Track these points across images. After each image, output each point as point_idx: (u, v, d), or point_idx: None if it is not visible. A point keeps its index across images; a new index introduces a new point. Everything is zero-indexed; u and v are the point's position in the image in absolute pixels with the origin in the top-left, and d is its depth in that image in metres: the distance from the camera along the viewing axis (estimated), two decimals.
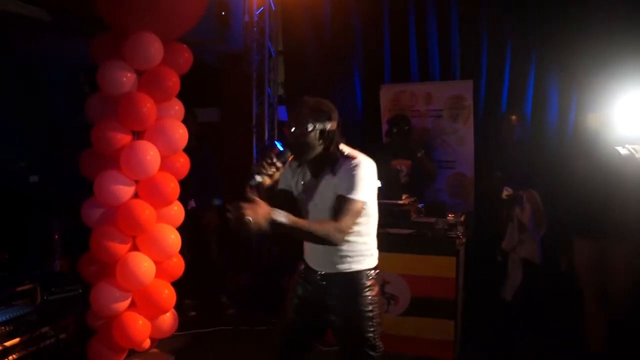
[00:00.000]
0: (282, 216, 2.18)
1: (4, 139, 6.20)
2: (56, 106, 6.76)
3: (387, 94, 5.93)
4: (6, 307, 4.07)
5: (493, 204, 4.83)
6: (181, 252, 4.09)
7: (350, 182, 2.40)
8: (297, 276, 2.75)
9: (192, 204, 5.20)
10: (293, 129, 2.48)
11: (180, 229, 4.14)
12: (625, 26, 4.91)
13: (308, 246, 2.68)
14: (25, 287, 4.38)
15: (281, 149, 2.50)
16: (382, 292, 4.22)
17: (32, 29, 4.77)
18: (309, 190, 2.58)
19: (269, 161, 2.40)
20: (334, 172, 2.48)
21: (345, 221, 2.35)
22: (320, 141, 2.48)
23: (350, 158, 2.48)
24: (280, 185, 2.69)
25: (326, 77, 6.31)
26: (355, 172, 2.41)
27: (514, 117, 5.10)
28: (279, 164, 2.44)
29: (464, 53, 5.80)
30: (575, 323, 4.19)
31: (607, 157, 3.82)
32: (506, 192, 4.62)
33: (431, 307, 4.20)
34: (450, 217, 4.40)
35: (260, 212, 2.11)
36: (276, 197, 2.59)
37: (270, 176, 2.43)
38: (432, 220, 4.30)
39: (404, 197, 4.50)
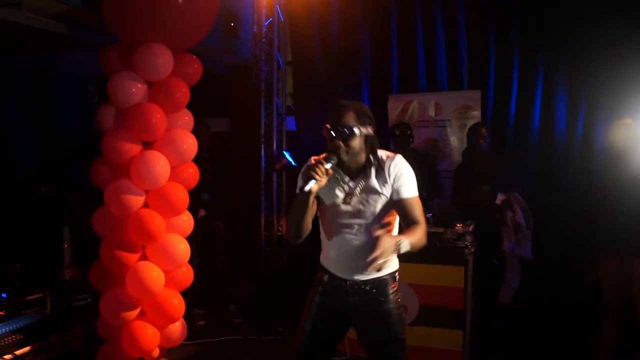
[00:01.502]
0: (405, 245, 2.31)
1: (16, 149, 6.27)
2: (67, 117, 6.83)
3: (395, 104, 5.96)
4: (17, 315, 4.12)
5: (482, 213, 4.83)
6: (190, 260, 4.11)
7: (408, 182, 2.50)
8: (318, 286, 2.70)
9: (202, 212, 5.25)
10: (336, 133, 2.43)
11: (190, 238, 4.17)
12: (636, 34, 4.91)
13: (336, 255, 2.62)
14: (36, 296, 4.42)
15: (324, 156, 2.44)
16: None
17: (44, 41, 4.82)
18: (351, 193, 2.52)
19: (322, 167, 2.36)
20: (377, 173, 2.49)
21: (423, 218, 2.49)
22: (365, 146, 2.47)
23: (390, 158, 2.52)
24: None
25: (334, 88, 6.34)
26: (406, 171, 2.51)
27: (483, 129, 5.05)
28: (330, 170, 2.40)
29: (471, 63, 5.82)
30: (580, 327, 4.19)
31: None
32: (500, 198, 4.67)
33: (440, 317, 4.19)
34: (459, 226, 4.39)
35: (389, 246, 2.25)
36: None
37: (320, 183, 2.37)
38: (441, 230, 4.30)
39: None
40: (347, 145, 2.42)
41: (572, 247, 4.70)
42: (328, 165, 2.37)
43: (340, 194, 2.53)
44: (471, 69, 5.82)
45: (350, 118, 2.42)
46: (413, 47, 6.04)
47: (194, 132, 4.03)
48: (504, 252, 4.71)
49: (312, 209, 2.48)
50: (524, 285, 4.78)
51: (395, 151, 5.01)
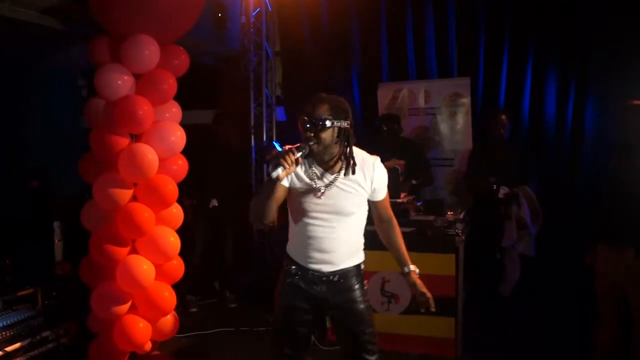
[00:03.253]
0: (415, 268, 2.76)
1: (5, 144, 6.21)
2: (57, 111, 6.77)
3: (384, 93, 5.95)
4: (7, 311, 4.10)
5: (488, 205, 4.83)
6: (194, 247, 4.09)
7: (385, 182, 2.65)
8: (286, 278, 2.72)
9: (215, 202, 5.30)
10: (309, 124, 2.46)
11: (199, 225, 4.16)
12: (625, 21, 4.91)
13: (305, 247, 2.62)
14: (27, 292, 4.39)
15: (297, 145, 2.44)
16: (382, 290, 4.26)
17: (33, 34, 4.77)
18: (324, 186, 2.53)
19: (292, 156, 2.35)
20: (354, 171, 2.53)
21: (391, 211, 2.76)
22: (337, 139, 2.50)
23: (371, 160, 2.60)
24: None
25: (324, 77, 6.32)
26: (385, 175, 2.64)
27: (503, 117, 5.03)
28: (300, 159, 2.41)
29: (461, 50, 5.82)
30: (577, 319, 4.19)
31: None
32: (503, 192, 4.65)
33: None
34: (450, 214, 4.40)
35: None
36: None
37: (289, 170, 2.38)
38: (431, 218, 4.30)
39: (402, 195, 4.51)
40: (318, 137, 2.45)
41: (567, 236, 4.73)
42: (299, 154, 2.38)
43: (313, 186, 2.55)
44: (461, 56, 5.83)
45: (324, 110, 2.46)
46: (402, 34, 6.03)
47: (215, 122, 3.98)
48: (504, 248, 4.71)
49: (278, 196, 2.52)
50: (525, 277, 4.79)
51: (386, 145, 5.05)
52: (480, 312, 4.69)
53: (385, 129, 5.16)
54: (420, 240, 4.19)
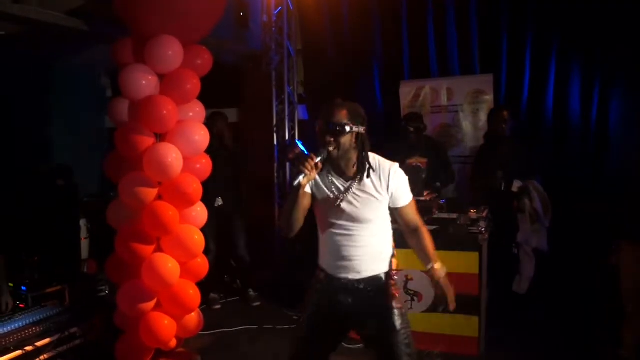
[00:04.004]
0: (443, 268, 2.66)
1: (33, 143, 6.32)
2: (82, 110, 6.87)
3: (406, 90, 5.93)
4: (37, 308, 4.18)
5: (499, 200, 4.79)
6: (207, 247, 4.15)
7: (406, 190, 2.62)
8: (316, 285, 2.71)
9: (220, 201, 5.34)
10: (329, 129, 2.46)
11: (208, 226, 4.21)
12: None
13: (329, 254, 2.63)
14: (55, 289, 4.48)
15: (318, 152, 2.46)
16: (405, 289, 4.25)
17: (58, 35, 4.84)
18: (343, 193, 2.54)
19: (312, 161, 2.38)
20: (372, 177, 2.53)
21: (419, 217, 2.69)
22: (355, 144, 2.50)
23: (389, 166, 2.57)
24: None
25: (345, 75, 6.33)
26: (405, 181, 2.60)
27: (505, 112, 4.99)
28: (319, 164, 2.43)
29: (483, 47, 5.77)
30: (595, 317, 4.15)
31: None
32: (517, 185, 4.63)
33: (455, 303, 4.18)
34: (472, 212, 4.37)
35: (449, 289, 2.70)
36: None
37: (310, 176, 2.41)
38: (454, 216, 4.28)
39: (425, 193, 4.50)
40: (337, 141, 2.46)
41: (587, 235, 4.68)
42: (318, 159, 2.40)
43: (332, 194, 2.55)
44: (483, 53, 5.78)
45: (342, 116, 2.47)
46: (424, 31, 6.00)
47: (209, 122, 4.05)
48: (519, 242, 4.68)
49: (304, 203, 2.52)
50: (540, 274, 4.75)
51: (410, 143, 5.05)
52: (498, 310, 4.66)
53: (411, 129, 5.14)
54: (444, 239, 4.18)
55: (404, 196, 2.61)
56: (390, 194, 2.56)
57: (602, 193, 4.99)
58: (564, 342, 4.43)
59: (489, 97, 5.54)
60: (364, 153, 2.52)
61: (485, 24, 5.71)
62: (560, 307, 5.05)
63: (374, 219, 2.57)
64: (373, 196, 2.53)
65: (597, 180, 5.32)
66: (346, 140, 2.47)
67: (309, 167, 2.36)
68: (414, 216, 2.66)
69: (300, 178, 2.36)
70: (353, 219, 2.54)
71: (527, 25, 5.52)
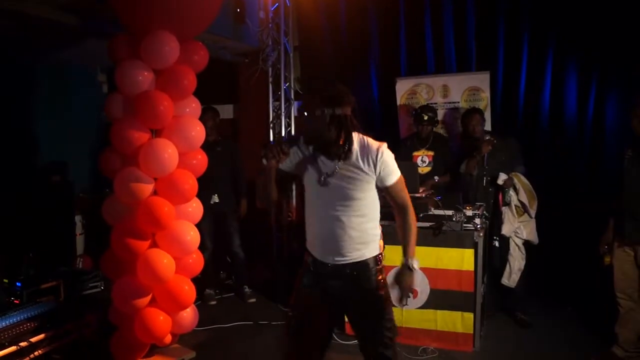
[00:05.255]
0: (415, 262, 2.64)
1: (29, 140, 6.31)
2: (78, 107, 6.86)
3: (402, 87, 5.92)
4: (32, 304, 4.18)
5: (482, 194, 4.80)
6: (202, 244, 4.15)
7: (394, 168, 2.60)
8: (304, 270, 2.75)
9: (215, 199, 5.35)
10: (304, 114, 2.53)
11: (203, 223, 4.22)
12: None
13: (316, 237, 2.67)
14: (50, 285, 4.49)
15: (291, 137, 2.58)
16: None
17: (55, 31, 4.83)
18: (328, 174, 2.56)
19: (277, 147, 2.46)
20: (358, 156, 2.55)
21: (408, 198, 2.69)
22: (331, 126, 2.50)
23: (377, 146, 2.58)
24: (283, 166, 2.66)
25: (342, 72, 6.31)
26: (392, 159, 2.59)
27: (477, 115, 4.99)
28: (285, 150, 2.48)
29: (480, 44, 5.76)
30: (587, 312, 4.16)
31: None
32: (502, 178, 4.64)
33: (450, 300, 4.20)
34: (468, 209, 4.38)
35: (406, 278, 2.65)
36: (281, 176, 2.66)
37: (277, 160, 2.48)
38: (450, 212, 4.29)
39: (421, 190, 4.50)
40: (311, 126, 2.53)
41: (581, 231, 4.69)
42: (287, 146, 2.51)
43: (317, 174, 2.59)
44: (480, 50, 5.76)
45: (314, 100, 2.50)
46: (421, 28, 5.99)
47: (200, 117, 4.06)
48: (506, 235, 4.68)
49: (275, 179, 2.57)
50: (531, 268, 4.76)
51: (419, 135, 5.05)
52: (488, 305, 4.67)
53: (425, 118, 5.16)
54: (439, 235, 4.20)
55: (392, 174, 2.60)
56: (378, 172, 2.56)
57: (597, 192, 5.01)
58: (556, 338, 4.45)
59: (485, 95, 5.53)
60: (342, 133, 2.52)
61: (482, 22, 5.70)
62: (550, 301, 5.09)
63: (361, 198, 2.57)
64: (359, 175, 2.55)
65: (592, 179, 5.33)
66: (319, 124, 2.49)
67: (271, 154, 2.45)
68: (402, 194, 2.67)
69: (264, 162, 2.50)
70: (340, 197, 2.55)
71: (524, 23, 5.52)
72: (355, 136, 2.57)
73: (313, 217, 2.67)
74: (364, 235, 2.61)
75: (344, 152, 2.54)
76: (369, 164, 2.55)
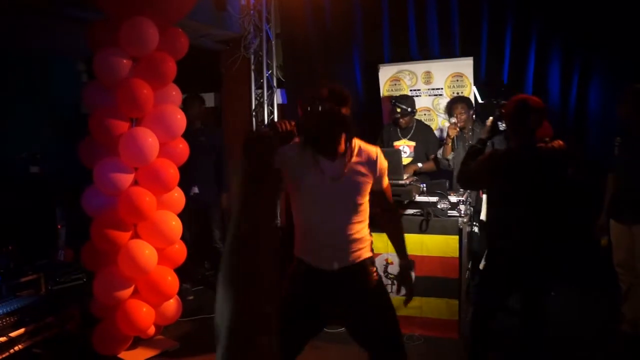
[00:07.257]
0: (411, 264, 2.66)
1: (6, 130, 6.20)
2: (58, 97, 6.76)
3: (386, 74, 5.89)
4: (11, 297, 4.10)
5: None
6: (182, 237, 4.09)
7: (385, 169, 2.62)
8: (293, 279, 2.61)
9: (195, 190, 5.23)
10: (306, 110, 2.43)
11: (182, 214, 4.15)
12: (631, 2, 4.84)
13: (314, 244, 2.54)
14: (30, 278, 4.40)
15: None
16: (385, 273, 4.25)
17: (33, 18, 4.73)
18: (328, 177, 2.45)
19: (287, 124, 2.35)
20: (358, 159, 2.50)
21: (392, 200, 2.73)
22: (335, 125, 2.44)
23: (373, 149, 2.58)
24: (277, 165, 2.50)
25: (325, 58, 6.26)
26: (384, 160, 2.60)
27: (459, 106, 5.01)
28: (294, 130, 2.36)
29: (463, 30, 5.72)
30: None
31: None
32: None
33: (435, 287, 4.20)
34: (452, 196, 4.37)
35: (410, 281, 2.80)
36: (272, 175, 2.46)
37: (285, 130, 2.35)
38: (435, 199, 4.28)
39: (405, 177, 4.48)
40: (311, 123, 2.43)
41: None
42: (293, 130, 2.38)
43: (318, 178, 2.46)
44: (463, 36, 5.73)
45: (319, 97, 2.41)
46: (404, 14, 5.93)
47: (185, 106, 3.99)
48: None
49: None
50: None
51: (399, 126, 5.03)
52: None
53: (398, 110, 5.12)
54: (424, 222, 4.19)
55: (385, 177, 2.64)
56: (377, 176, 2.55)
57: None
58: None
59: (469, 81, 5.52)
60: (342, 134, 2.46)
61: (465, 7, 5.66)
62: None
63: (363, 203, 2.53)
64: (364, 179, 2.51)
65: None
66: (320, 121, 2.41)
67: (283, 127, 2.33)
68: (389, 197, 2.72)
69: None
70: (344, 203, 2.49)
71: (508, 8, 5.49)
72: (355, 140, 2.53)
73: (308, 221, 2.55)
74: (363, 239, 2.56)
75: (349, 158, 2.48)
76: (369, 168, 2.52)
